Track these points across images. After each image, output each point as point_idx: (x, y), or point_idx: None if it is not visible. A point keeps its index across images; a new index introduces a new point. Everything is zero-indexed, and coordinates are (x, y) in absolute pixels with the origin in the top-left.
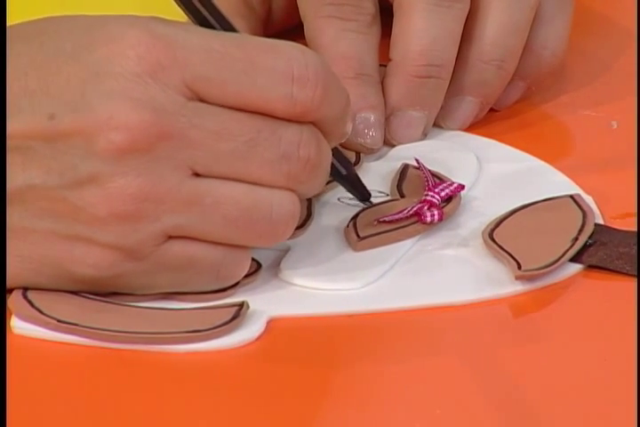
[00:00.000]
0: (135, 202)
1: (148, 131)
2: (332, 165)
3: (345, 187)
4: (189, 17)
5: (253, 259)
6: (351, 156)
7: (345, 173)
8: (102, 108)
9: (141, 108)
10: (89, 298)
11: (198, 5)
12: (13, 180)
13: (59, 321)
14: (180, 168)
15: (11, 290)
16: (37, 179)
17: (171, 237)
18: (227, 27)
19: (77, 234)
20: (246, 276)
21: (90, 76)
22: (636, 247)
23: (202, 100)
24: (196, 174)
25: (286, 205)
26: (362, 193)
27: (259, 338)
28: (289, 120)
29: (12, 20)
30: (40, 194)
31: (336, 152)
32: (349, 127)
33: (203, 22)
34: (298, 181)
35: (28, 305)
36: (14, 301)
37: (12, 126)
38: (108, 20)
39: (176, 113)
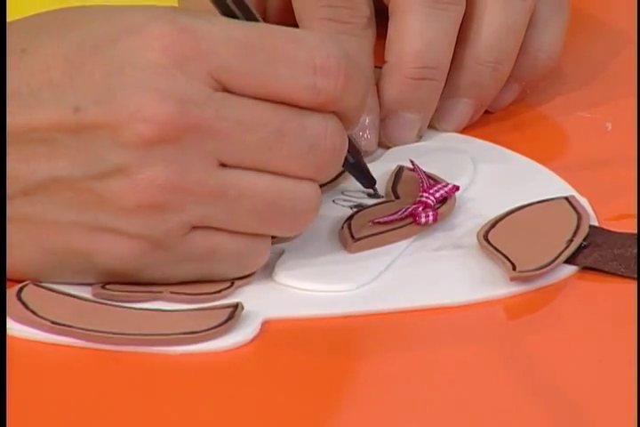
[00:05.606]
0: (163, 193)
1: (176, 122)
2: None
3: (352, 174)
4: (215, 6)
5: None
6: None
7: (353, 162)
8: (129, 100)
9: (168, 100)
10: (83, 299)
11: None
12: (38, 171)
13: (53, 322)
14: (207, 159)
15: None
16: (63, 170)
17: (195, 228)
18: (249, 16)
19: (103, 225)
20: (241, 277)
21: (114, 68)
22: (631, 249)
23: (226, 91)
24: (223, 165)
25: (309, 196)
26: (368, 180)
27: (253, 340)
28: (312, 110)
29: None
30: (65, 185)
31: None
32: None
33: (226, 12)
34: (324, 171)
35: (21, 306)
36: (8, 302)
37: (36, 119)
38: (127, 10)
39: (203, 104)
